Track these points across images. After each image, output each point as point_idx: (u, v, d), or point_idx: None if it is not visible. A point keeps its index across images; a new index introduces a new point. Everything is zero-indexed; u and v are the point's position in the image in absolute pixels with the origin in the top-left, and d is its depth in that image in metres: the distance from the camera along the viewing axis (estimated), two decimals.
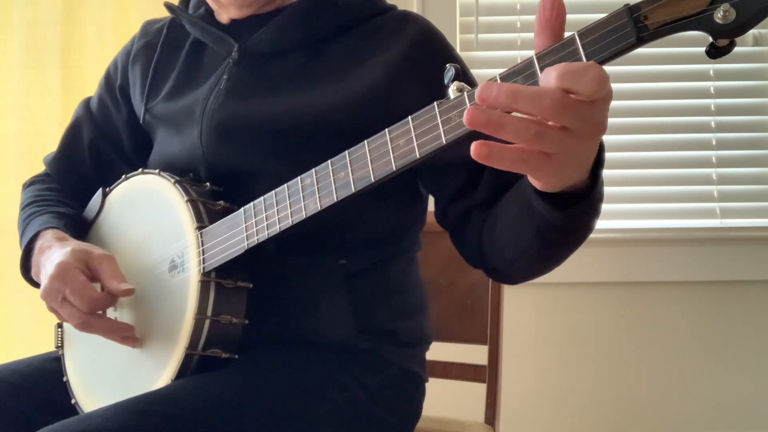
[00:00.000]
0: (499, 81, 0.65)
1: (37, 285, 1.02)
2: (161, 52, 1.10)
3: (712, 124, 1.93)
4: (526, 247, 0.81)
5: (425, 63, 0.94)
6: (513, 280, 0.93)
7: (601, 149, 0.69)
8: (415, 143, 0.72)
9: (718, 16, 0.58)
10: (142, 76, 1.10)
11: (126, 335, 0.93)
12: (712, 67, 1.92)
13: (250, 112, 0.96)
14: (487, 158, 0.61)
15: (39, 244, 0.99)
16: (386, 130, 0.75)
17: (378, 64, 0.95)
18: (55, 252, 0.94)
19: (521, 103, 0.60)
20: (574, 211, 0.71)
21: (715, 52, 0.61)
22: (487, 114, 0.60)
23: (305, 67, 0.98)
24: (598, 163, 0.70)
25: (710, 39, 0.61)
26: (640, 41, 0.60)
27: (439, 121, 0.70)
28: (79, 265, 0.91)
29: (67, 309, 0.90)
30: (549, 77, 0.60)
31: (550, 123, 0.61)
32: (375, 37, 0.98)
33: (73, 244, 0.96)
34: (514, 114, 0.61)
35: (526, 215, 0.77)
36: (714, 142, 1.93)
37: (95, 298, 0.90)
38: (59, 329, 1.08)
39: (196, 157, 0.99)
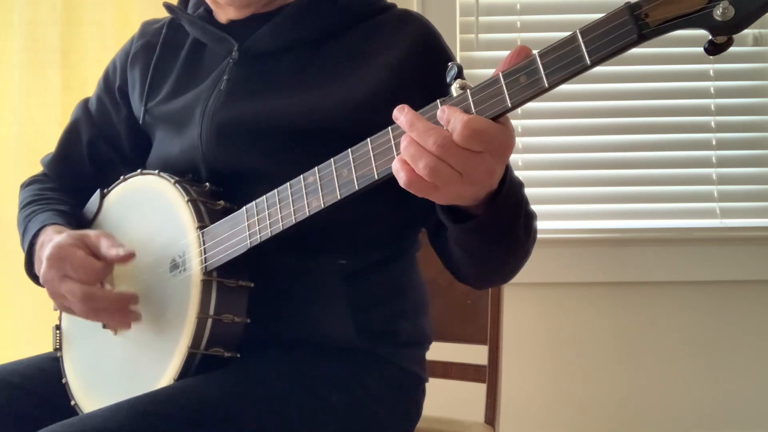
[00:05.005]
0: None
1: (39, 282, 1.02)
2: (161, 52, 1.10)
3: (712, 124, 1.93)
4: (458, 257, 0.85)
5: (426, 65, 0.95)
6: (476, 287, 0.96)
7: (507, 169, 0.73)
8: None
9: (717, 13, 0.60)
10: (142, 77, 1.10)
11: (129, 310, 0.92)
12: (712, 67, 1.92)
13: (251, 112, 0.96)
14: (396, 172, 0.69)
15: (41, 240, 0.99)
16: (389, 128, 0.75)
17: (380, 65, 0.95)
18: (54, 240, 0.94)
19: (414, 134, 0.66)
20: (468, 225, 0.75)
21: (713, 50, 0.62)
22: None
23: (305, 67, 0.98)
24: (504, 181, 0.73)
25: (709, 37, 0.62)
26: (642, 38, 0.62)
27: None
28: (76, 243, 0.91)
29: (68, 285, 0.90)
30: (442, 117, 0.67)
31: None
32: (375, 36, 0.98)
33: (70, 231, 0.96)
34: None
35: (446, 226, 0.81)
36: (714, 142, 1.93)
37: (97, 267, 0.90)
38: (57, 331, 1.07)
39: (196, 158, 0.99)
